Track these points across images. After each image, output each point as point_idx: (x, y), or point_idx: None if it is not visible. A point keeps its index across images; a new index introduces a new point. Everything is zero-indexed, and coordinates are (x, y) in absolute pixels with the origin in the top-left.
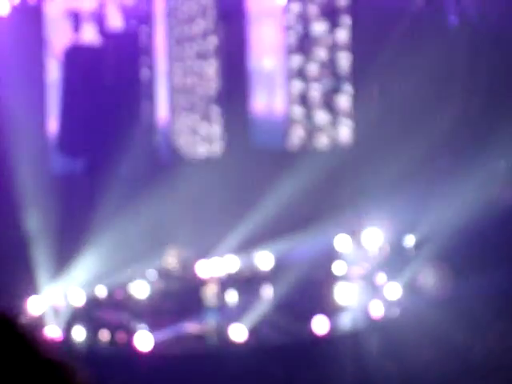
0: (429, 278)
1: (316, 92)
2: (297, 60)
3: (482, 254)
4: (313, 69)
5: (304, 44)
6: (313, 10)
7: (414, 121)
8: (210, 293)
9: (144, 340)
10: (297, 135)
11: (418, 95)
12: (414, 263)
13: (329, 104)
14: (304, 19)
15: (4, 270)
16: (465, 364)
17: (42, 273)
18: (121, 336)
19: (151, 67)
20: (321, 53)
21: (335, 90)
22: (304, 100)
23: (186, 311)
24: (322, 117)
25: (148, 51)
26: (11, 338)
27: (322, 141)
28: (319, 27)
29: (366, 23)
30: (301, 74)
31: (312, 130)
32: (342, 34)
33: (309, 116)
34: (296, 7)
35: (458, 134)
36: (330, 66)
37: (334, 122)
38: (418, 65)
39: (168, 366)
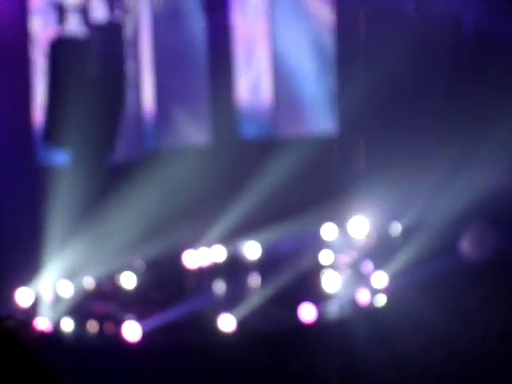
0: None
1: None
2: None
3: None
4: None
5: None
6: None
7: (398, 106)
8: (197, 282)
9: (132, 330)
10: (283, 124)
11: (403, 80)
12: (401, 251)
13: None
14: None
15: None
16: (451, 351)
17: (28, 265)
18: (109, 326)
19: (137, 58)
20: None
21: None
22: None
23: (174, 301)
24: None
25: (134, 42)
26: (12, 352)
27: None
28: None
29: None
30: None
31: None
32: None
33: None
34: None
35: (444, 117)
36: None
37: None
38: (402, 50)
39: (156, 356)
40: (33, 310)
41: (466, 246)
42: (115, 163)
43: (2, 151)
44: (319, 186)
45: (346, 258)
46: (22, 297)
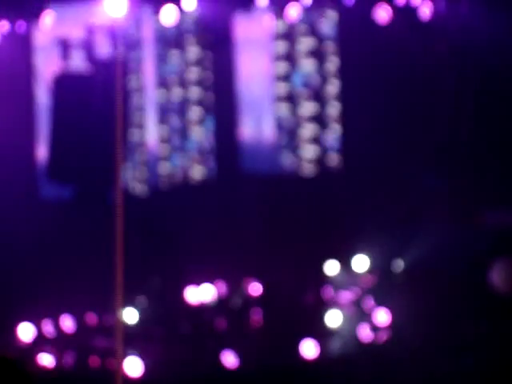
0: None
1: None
2: (284, 87)
3: None
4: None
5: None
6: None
7: (402, 144)
8: (199, 318)
9: (134, 366)
10: (285, 162)
11: (406, 122)
12: (402, 288)
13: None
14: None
15: None
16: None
17: (31, 299)
18: (110, 362)
19: (140, 94)
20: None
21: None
22: (292, 127)
23: (177, 337)
24: (310, 146)
25: (137, 78)
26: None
27: (311, 167)
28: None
29: (353, 53)
30: (288, 99)
31: (300, 157)
32: (331, 67)
33: (296, 144)
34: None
35: (446, 152)
36: (318, 94)
37: (323, 149)
38: (404, 89)
39: None
40: (34, 346)
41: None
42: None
43: (6, 186)
44: (324, 222)
45: (348, 295)
46: (24, 332)
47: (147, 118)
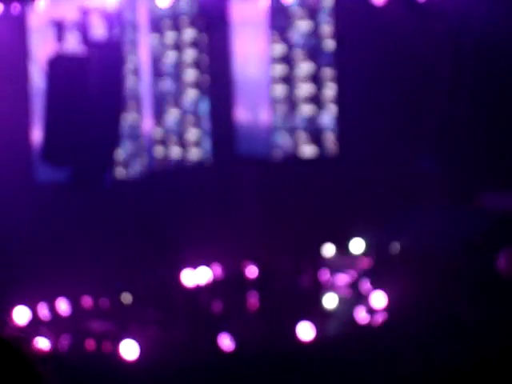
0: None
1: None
2: (280, 68)
3: None
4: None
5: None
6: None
7: (398, 126)
8: (195, 301)
9: (130, 349)
10: (281, 144)
11: (403, 103)
12: (399, 271)
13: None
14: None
15: None
16: (452, 371)
17: (26, 283)
18: (106, 345)
19: (136, 76)
20: (305, 64)
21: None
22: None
23: (173, 320)
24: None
25: (132, 60)
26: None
27: (307, 150)
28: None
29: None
30: (285, 81)
31: (296, 139)
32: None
33: (292, 125)
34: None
35: (444, 134)
36: (315, 76)
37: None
38: (402, 73)
39: (154, 375)
40: (30, 329)
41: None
42: (115, 180)
43: (1, 169)
44: (320, 205)
45: (345, 277)
46: (19, 315)
47: (142, 100)
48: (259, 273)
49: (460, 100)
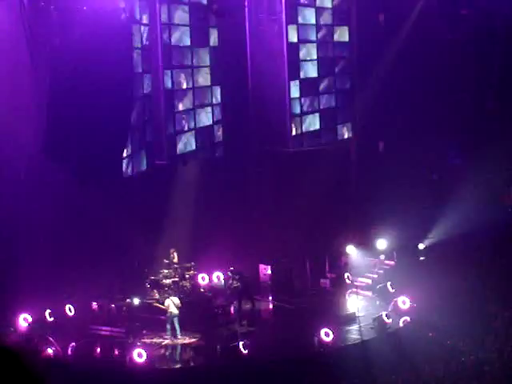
0: None
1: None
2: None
3: None
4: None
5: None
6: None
7: (426, 124)
8: (212, 305)
9: (139, 353)
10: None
11: (428, 93)
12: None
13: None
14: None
15: None
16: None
17: (36, 288)
18: (116, 350)
19: (147, 65)
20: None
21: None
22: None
23: (189, 324)
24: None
25: (143, 49)
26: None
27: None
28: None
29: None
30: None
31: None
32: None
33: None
34: None
35: (472, 131)
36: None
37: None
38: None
39: (164, 379)
40: (38, 334)
41: None
42: (127, 174)
43: (8, 166)
44: (344, 203)
45: (369, 280)
46: (27, 320)
47: (154, 92)
48: (280, 275)
49: (487, 94)
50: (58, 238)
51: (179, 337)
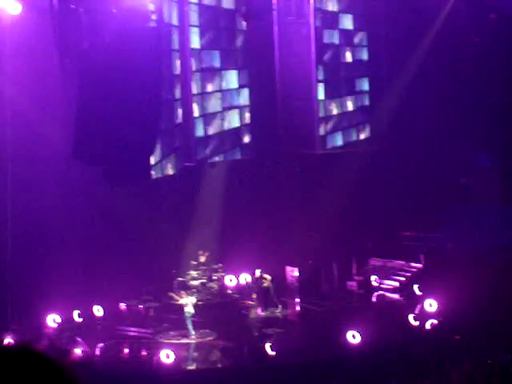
0: None
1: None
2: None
3: None
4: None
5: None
6: None
7: (452, 125)
8: (243, 307)
9: (166, 354)
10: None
11: (456, 93)
12: (451, 274)
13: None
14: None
15: (24, 286)
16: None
17: (65, 289)
18: (144, 351)
19: (176, 68)
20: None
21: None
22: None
23: (216, 326)
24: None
25: (172, 52)
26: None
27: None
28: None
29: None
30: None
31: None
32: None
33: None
34: None
35: (498, 132)
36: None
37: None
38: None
39: (191, 380)
40: (67, 334)
41: None
42: (156, 176)
43: (35, 165)
44: (368, 207)
45: (395, 282)
46: (55, 321)
47: (184, 95)
48: (307, 277)
49: None
50: (87, 239)
51: (192, 336)
